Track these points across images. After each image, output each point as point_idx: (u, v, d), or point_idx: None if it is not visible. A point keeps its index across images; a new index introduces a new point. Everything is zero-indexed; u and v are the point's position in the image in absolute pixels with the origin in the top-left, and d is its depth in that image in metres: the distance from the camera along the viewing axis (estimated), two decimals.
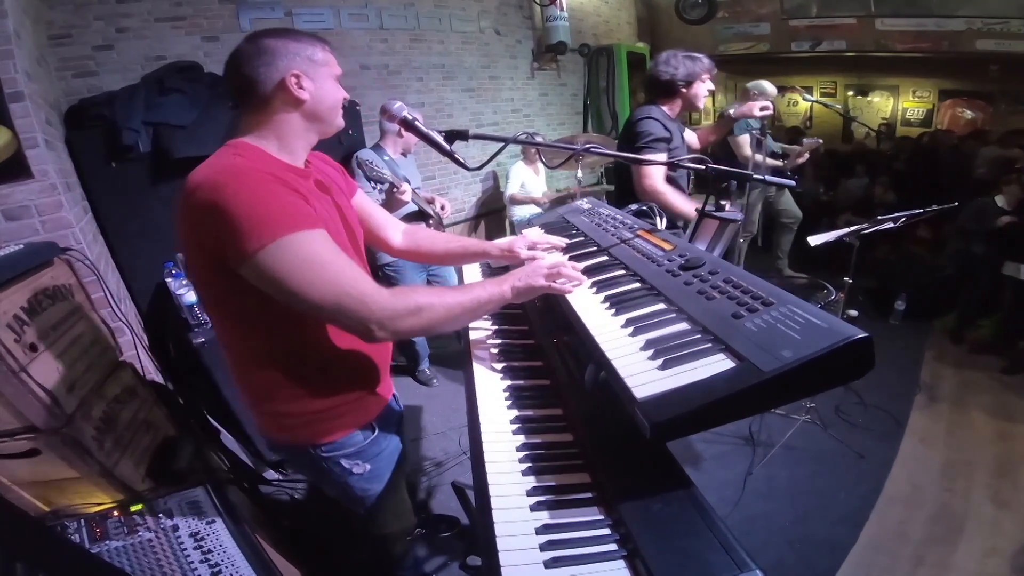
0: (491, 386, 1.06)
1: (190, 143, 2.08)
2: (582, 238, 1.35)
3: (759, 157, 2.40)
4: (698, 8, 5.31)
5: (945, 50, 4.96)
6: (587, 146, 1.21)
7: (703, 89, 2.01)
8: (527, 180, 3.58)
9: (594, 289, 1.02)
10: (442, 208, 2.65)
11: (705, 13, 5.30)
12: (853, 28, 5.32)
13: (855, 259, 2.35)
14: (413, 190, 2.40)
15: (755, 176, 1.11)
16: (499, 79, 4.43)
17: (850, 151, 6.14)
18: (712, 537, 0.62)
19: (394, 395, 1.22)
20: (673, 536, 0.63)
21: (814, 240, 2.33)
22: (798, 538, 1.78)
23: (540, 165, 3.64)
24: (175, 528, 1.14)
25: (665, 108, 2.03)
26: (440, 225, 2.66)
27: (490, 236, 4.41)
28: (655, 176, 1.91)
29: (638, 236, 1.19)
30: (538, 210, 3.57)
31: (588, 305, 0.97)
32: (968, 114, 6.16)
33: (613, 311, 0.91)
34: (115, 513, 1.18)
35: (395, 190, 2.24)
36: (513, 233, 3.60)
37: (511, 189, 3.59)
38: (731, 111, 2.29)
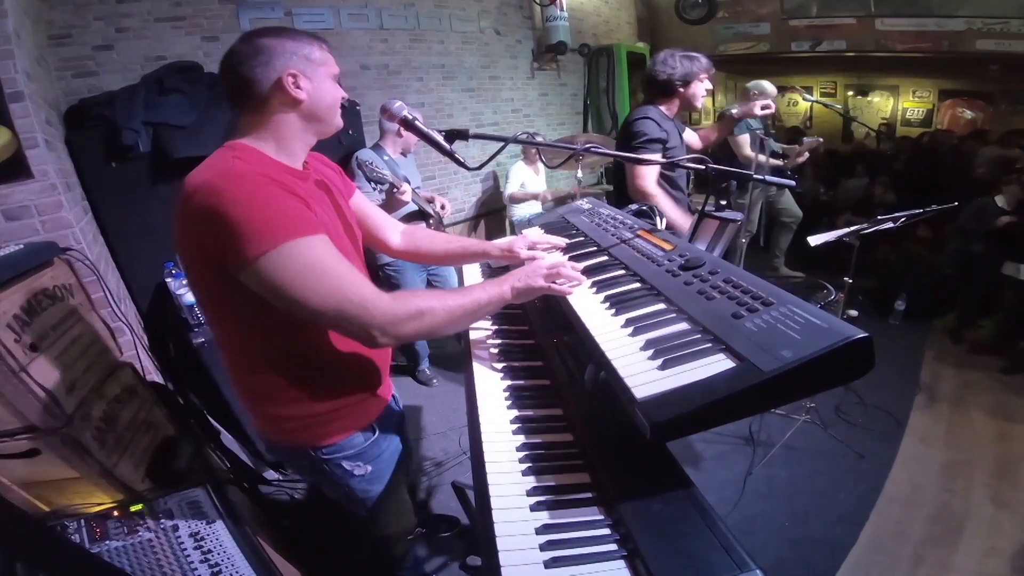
0: (491, 386, 1.06)
1: (190, 143, 2.09)
2: (582, 238, 1.35)
3: (762, 157, 2.40)
4: (698, 8, 5.31)
5: (945, 50, 4.96)
6: (587, 146, 1.21)
7: (701, 89, 2.02)
8: (527, 180, 3.58)
9: (594, 289, 1.02)
10: (442, 207, 2.64)
11: (705, 13, 5.31)
12: (853, 28, 5.31)
13: (855, 259, 2.35)
14: (413, 190, 2.40)
15: (755, 176, 1.11)
16: (499, 79, 4.43)
17: (850, 151, 6.14)
18: (712, 537, 0.62)
19: (393, 396, 1.22)
20: (673, 536, 0.63)
21: (814, 240, 2.34)
22: (798, 538, 1.78)
23: (540, 165, 3.64)
24: (175, 528, 1.14)
25: (663, 108, 2.03)
26: (440, 225, 2.66)
27: (490, 236, 4.41)
28: (647, 177, 1.91)
29: (638, 236, 1.19)
30: (538, 209, 3.58)
31: (588, 305, 0.97)
32: (968, 114, 6.16)
33: (613, 311, 0.91)
34: (115, 513, 1.18)
35: (395, 190, 2.23)
36: (513, 233, 3.60)
37: (511, 189, 3.59)
38: (734, 111, 2.29)
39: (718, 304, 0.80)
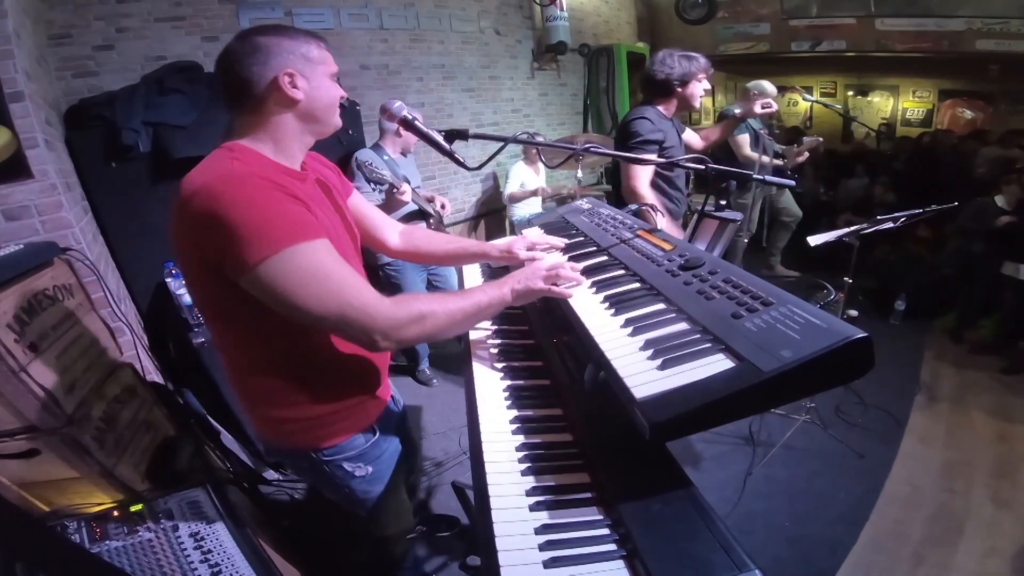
0: (491, 386, 1.06)
1: (190, 143, 2.08)
2: (582, 238, 1.35)
3: (765, 158, 2.40)
4: (698, 8, 5.31)
5: (945, 50, 4.96)
6: (587, 146, 1.21)
7: (699, 89, 2.01)
8: (527, 180, 3.58)
9: (594, 289, 1.02)
10: (442, 207, 2.64)
11: (705, 13, 5.30)
12: (853, 28, 5.31)
13: (855, 259, 2.35)
14: (413, 189, 2.40)
15: (755, 176, 1.11)
16: (499, 79, 4.43)
17: (850, 151, 6.15)
18: (711, 537, 0.62)
19: (393, 396, 1.22)
20: (672, 536, 0.63)
21: (814, 240, 2.33)
22: (798, 538, 1.78)
23: (541, 165, 3.64)
24: (175, 528, 1.14)
25: (660, 108, 2.03)
26: (441, 224, 2.66)
27: (490, 236, 4.41)
28: (639, 178, 1.91)
29: (638, 236, 1.19)
30: (538, 209, 3.58)
31: (588, 305, 0.97)
32: (968, 114, 6.17)
33: (613, 311, 0.91)
34: (115, 513, 1.18)
35: (395, 191, 2.23)
36: (513, 233, 3.60)
37: (510, 188, 3.59)
38: (737, 111, 2.29)
39: (718, 304, 0.80)
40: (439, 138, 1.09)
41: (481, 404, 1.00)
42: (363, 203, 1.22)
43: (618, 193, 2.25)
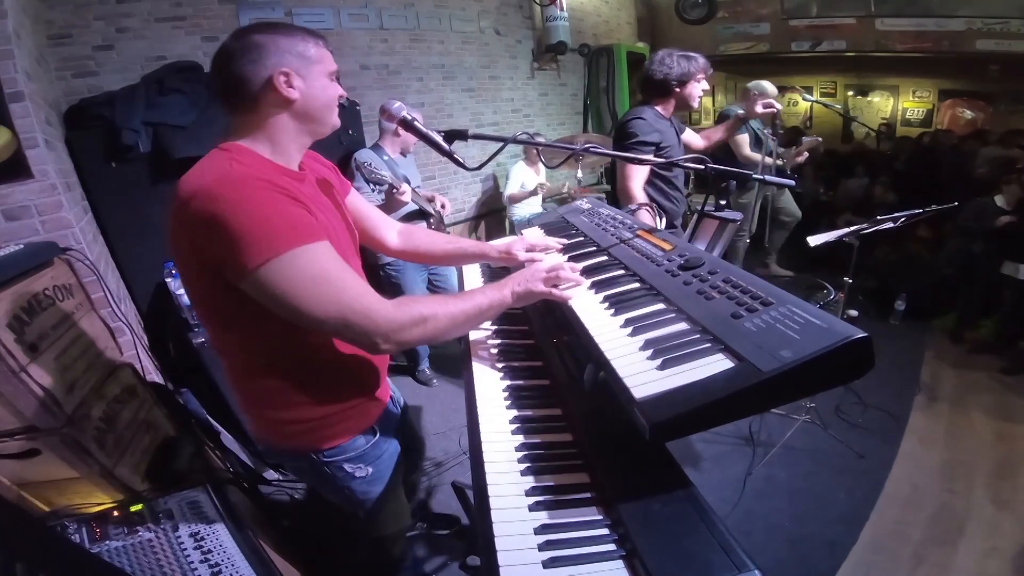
0: (491, 386, 1.06)
1: (190, 143, 2.09)
2: (582, 238, 1.35)
3: (768, 160, 2.40)
4: (698, 8, 5.31)
5: (945, 50, 4.96)
6: (587, 146, 1.21)
7: (697, 89, 2.01)
8: (527, 180, 3.58)
9: (593, 289, 1.02)
10: (442, 206, 2.64)
11: (705, 13, 5.31)
12: (853, 28, 5.32)
13: (855, 259, 2.35)
14: (413, 189, 2.39)
15: (754, 176, 1.11)
16: (499, 79, 4.43)
17: (850, 151, 6.15)
18: (711, 537, 0.62)
19: (393, 396, 1.22)
20: (672, 536, 0.63)
21: (814, 240, 2.33)
22: (798, 538, 1.78)
23: (541, 165, 3.64)
24: (175, 528, 1.14)
25: (659, 108, 2.03)
26: (441, 224, 2.66)
27: (490, 236, 4.41)
28: (633, 179, 1.91)
29: (637, 236, 1.19)
30: (538, 209, 3.57)
31: (587, 305, 0.97)
32: (968, 114, 6.17)
33: (612, 311, 0.91)
34: (115, 513, 1.18)
35: (394, 191, 2.23)
36: (513, 233, 3.60)
37: (510, 189, 3.59)
38: (739, 112, 2.29)
39: (717, 304, 0.80)
40: (438, 138, 1.09)
41: (481, 404, 1.00)
42: (361, 202, 1.22)
43: (615, 193, 2.25)
